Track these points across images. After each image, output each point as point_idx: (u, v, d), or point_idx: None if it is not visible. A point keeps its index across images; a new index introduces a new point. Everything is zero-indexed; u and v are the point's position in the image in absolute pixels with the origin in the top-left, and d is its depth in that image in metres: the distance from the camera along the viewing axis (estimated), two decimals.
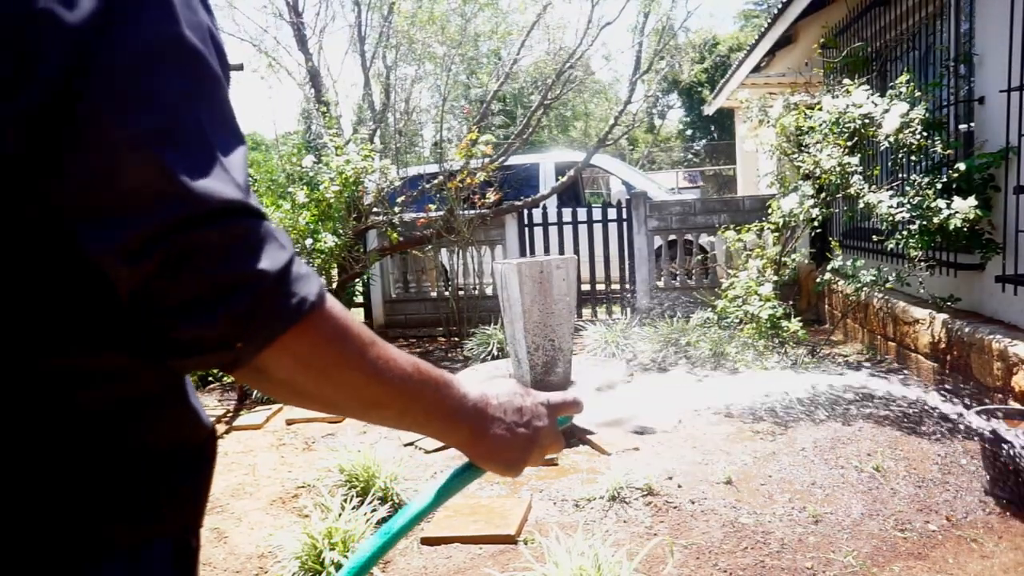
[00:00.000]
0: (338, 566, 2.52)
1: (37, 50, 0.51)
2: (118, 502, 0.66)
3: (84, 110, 0.52)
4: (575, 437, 4.00)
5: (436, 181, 7.54)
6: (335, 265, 6.87)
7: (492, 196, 7.34)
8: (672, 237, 7.96)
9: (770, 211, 5.07)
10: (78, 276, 0.58)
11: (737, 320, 4.78)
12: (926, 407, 3.80)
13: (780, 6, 7.08)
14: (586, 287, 8.01)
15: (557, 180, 8.86)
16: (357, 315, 8.77)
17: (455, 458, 3.84)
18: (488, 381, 0.82)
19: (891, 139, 4.34)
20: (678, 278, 7.85)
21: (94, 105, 0.52)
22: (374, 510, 2.86)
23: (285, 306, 0.58)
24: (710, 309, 5.08)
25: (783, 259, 5.09)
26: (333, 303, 0.62)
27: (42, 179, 0.53)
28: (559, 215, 8.04)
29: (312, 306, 0.59)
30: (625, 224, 7.90)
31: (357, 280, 7.45)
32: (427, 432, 0.76)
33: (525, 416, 0.79)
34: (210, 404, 5.51)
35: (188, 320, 0.55)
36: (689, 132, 31.15)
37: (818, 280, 5.47)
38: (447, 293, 8.01)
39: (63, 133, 0.52)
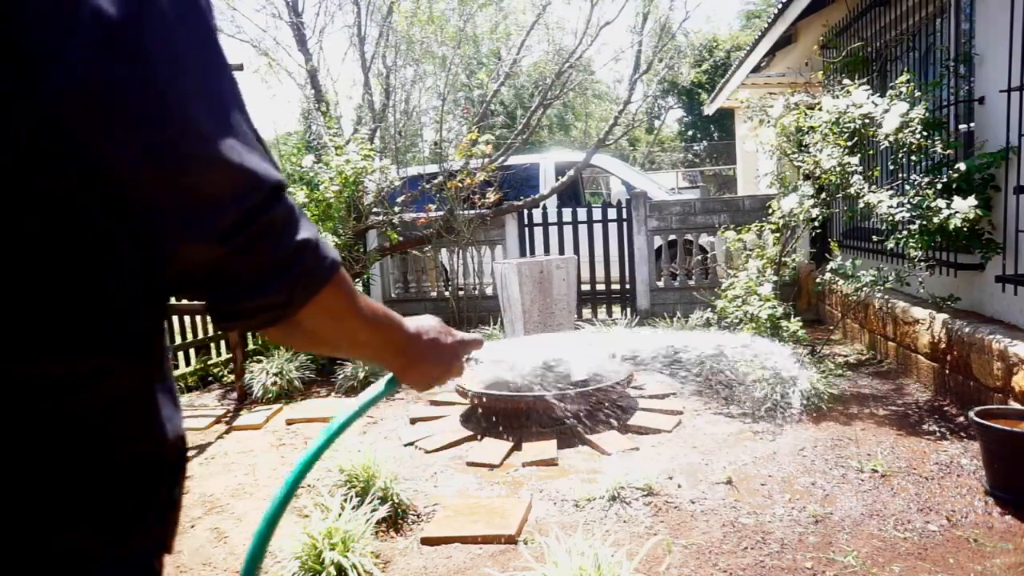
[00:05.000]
0: (338, 566, 2.52)
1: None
2: (80, 513, 0.66)
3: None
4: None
5: (436, 181, 7.54)
6: None
7: (492, 196, 7.34)
8: (672, 237, 7.96)
9: (770, 211, 5.07)
10: (75, 275, 0.62)
11: (737, 320, 4.78)
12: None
13: (780, 6, 7.08)
14: (586, 287, 8.01)
15: (557, 180, 8.86)
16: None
17: (455, 458, 3.85)
18: (422, 318, 0.99)
19: (891, 139, 4.34)
20: (678, 278, 7.85)
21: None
22: (374, 510, 2.86)
23: (323, 267, 0.70)
24: (710, 309, 5.08)
25: (783, 259, 5.09)
26: (343, 271, 0.75)
27: (118, 184, 0.60)
28: (559, 215, 8.04)
29: (338, 265, 0.72)
30: (625, 224, 7.90)
31: (357, 280, 7.45)
32: (379, 361, 0.92)
33: (446, 349, 0.98)
34: (210, 404, 5.51)
35: (259, 288, 0.66)
36: (689, 132, 31.14)
37: (818, 280, 5.47)
38: (447, 293, 8.01)
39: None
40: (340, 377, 5.63)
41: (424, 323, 0.97)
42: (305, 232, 0.68)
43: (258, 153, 0.65)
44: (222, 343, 6.86)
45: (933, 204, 4.01)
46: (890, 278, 4.42)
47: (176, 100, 0.59)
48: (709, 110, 14.03)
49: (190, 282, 0.66)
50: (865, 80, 5.23)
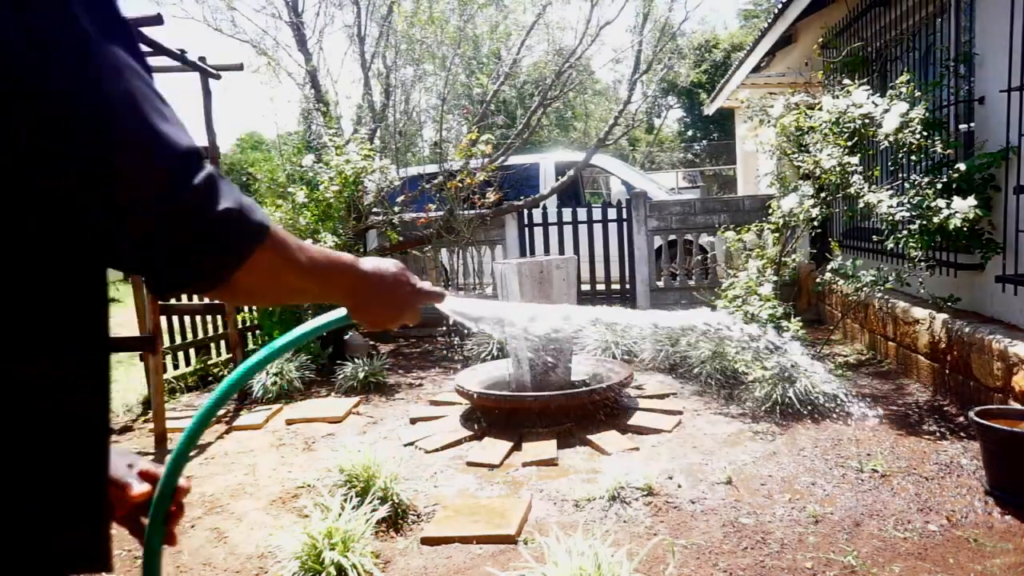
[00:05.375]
0: (338, 566, 2.52)
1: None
2: (80, 512, 0.67)
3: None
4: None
5: (436, 181, 7.54)
6: None
7: (492, 196, 7.33)
8: (672, 237, 7.96)
9: (770, 211, 5.07)
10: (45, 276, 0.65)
11: None
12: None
13: (780, 6, 7.08)
14: (586, 287, 8.01)
15: (557, 180, 8.86)
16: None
17: (455, 458, 3.85)
18: (382, 260, 1.00)
19: (891, 139, 4.34)
20: (678, 278, 7.85)
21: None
22: (374, 510, 2.86)
23: (249, 231, 0.72)
24: (710, 309, 5.07)
25: (783, 259, 5.09)
26: (277, 228, 0.77)
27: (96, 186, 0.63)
28: (559, 215, 8.04)
29: (266, 227, 0.74)
30: (625, 224, 7.90)
31: None
32: (330, 300, 0.94)
33: (400, 294, 1.00)
34: None
35: (187, 258, 0.68)
36: (689, 132, 31.14)
37: (818, 280, 5.47)
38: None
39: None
40: (340, 377, 5.63)
41: (382, 265, 0.98)
42: (228, 200, 0.69)
43: (171, 123, 0.66)
44: (222, 343, 6.86)
45: (933, 204, 4.00)
46: (890, 278, 4.42)
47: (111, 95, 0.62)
48: (709, 110, 14.03)
49: (119, 259, 0.69)
50: (865, 80, 5.23)
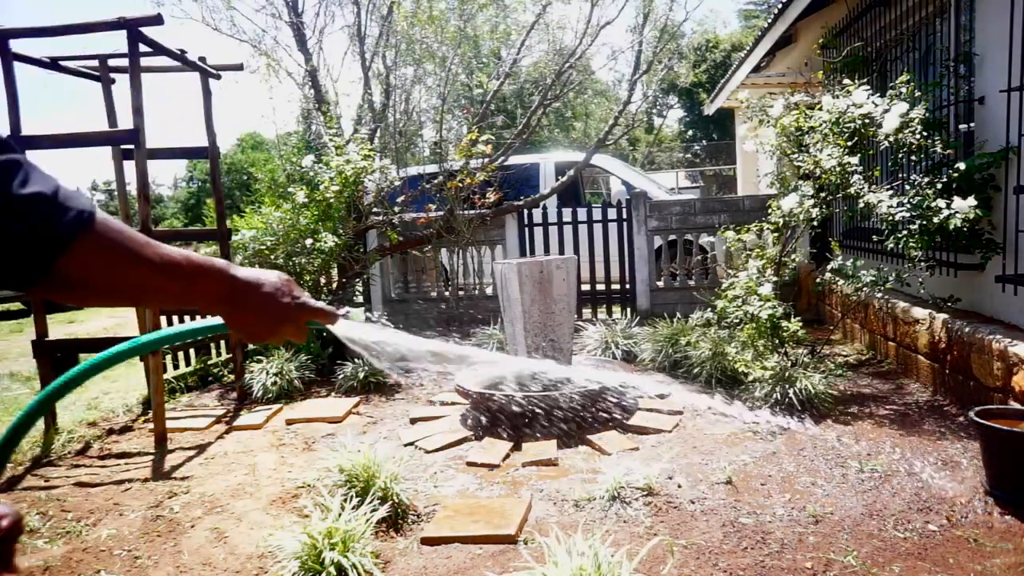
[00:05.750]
0: (338, 566, 2.52)
1: None
2: None
3: None
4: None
5: (436, 181, 7.54)
6: (335, 265, 6.87)
7: (492, 196, 7.33)
8: (672, 237, 7.96)
9: (770, 211, 5.07)
10: None
11: (737, 320, 4.78)
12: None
13: (780, 6, 7.08)
14: (586, 287, 8.01)
15: (557, 180, 8.86)
16: (357, 315, 8.78)
17: (455, 458, 3.85)
18: (263, 271, 0.98)
19: (891, 139, 4.34)
20: (678, 278, 7.85)
21: None
22: (374, 510, 2.86)
23: (72, 217, 0.70)
24: (710, 309, 5.08)
25: (783, 259, 5.09)
26: (107, 216, 0.75)
27: None
28: (559, 215, 8.04)
29: (90, 215, 0.71)
30: (625, 224, 7.90)
31: (357, 280, 7.45)
32: (199, 305, 0.91)
33: (279, 307, 0.96)
34: (210, 404, 5.51)
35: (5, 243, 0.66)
36: (689, 132, 31.14)
37: (818, 280, 5.46)
38: (447, 293, 8.01)
39: None
40: (340, 377, 5.63)
41: (263, 276, 0.96)
42: (38, 185, 0.67)
43: None
44: (222, 343, 6.86)
45: (933, 204, 4.00)
46: (890, 278, 4.42)
47: None
48: (709, 110, 14.03)
49: None
50: (865, 80, 5.23)
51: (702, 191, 20.02)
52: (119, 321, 11.08)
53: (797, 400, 4.20)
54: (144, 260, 0.78)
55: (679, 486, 3.31)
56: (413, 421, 4.66)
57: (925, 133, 4.28)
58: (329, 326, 1.05)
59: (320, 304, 1.03)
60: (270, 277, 0.97)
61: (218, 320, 1.00)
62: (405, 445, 4.15)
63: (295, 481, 3.67)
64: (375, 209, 7.37)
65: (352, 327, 1.08)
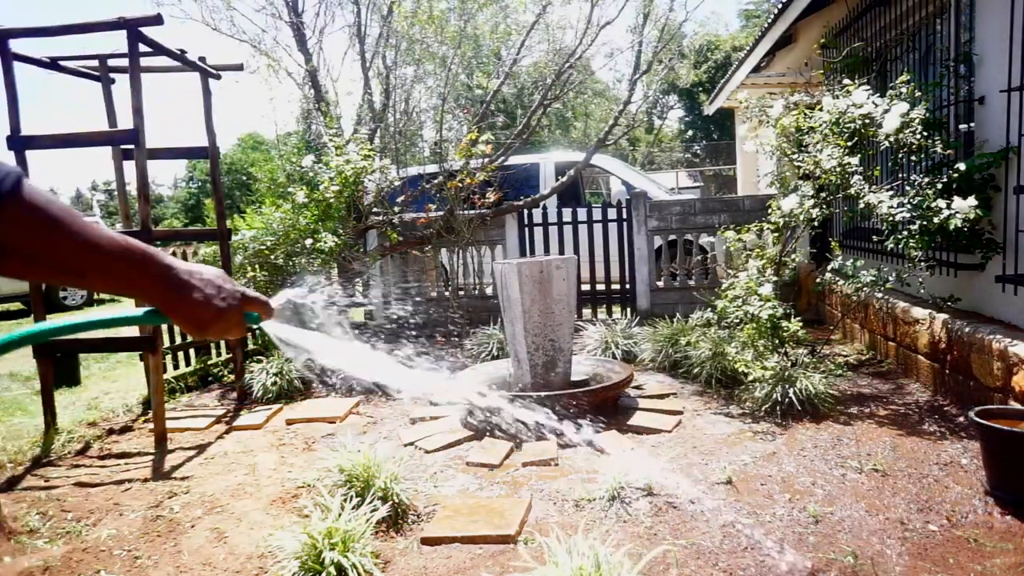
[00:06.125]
0: (338, 566, 2.52)
1: None
2: None
3: None
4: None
5: (436, 181, 7.54)
6: (335, 265, 6.87)
7: (492, 196, 7.33)
8: (672, 237, 7.96)
9: (770, 211, 5.07)
10: None
11: (737, 320, 4.78)
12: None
13: (780, 6, 7.08)
14: (586, 287, 8.01)
15: (557, 180, 8.86)
16: (357, 315, 8.77)
17: (455, 458, 3.85)
18: (201, 265, 0.97)
19: (891, 139, 4.34)
20: (678, 278, 7.85)
21: None
22: (374, 510, 2.86)
23: None
24: (710, 309, 5.08)
25: (783, 259, 5.09)
26: (37, 187, 0.76)
27: None
28: (559, 215, 8.04)
29: (16, 179, 0.72)
30: (625, 224, 7.90)
31: (356, 280, 7.45)
32: (137, 294, 0.90)
33: (222, 294, 0.96)
34: (210, 404, 5.51)
35: None
36: (689, 132, 31.15)
37: (818, 280, 5.46)
38: (447, 293, 8.01)
39: None
40: (340, 377, 5.63)
41: (200, 267, 0.96)
42: None
43: None
44: (222, 343, 6.86)
45: (933, 204, 4.00)
46: (890, 278, 4.42)
47: None
48: (709, 110, 14.03)
49: None
50: (865, 80, 5.23)
51: (702, 191, 20.03)
52: None
53: (797, 400, 4.20)
54: (71, 233, 0.78)
55: (679, 486, 3.30)
56: (413, 421, 4.66)
57: (925, 133, 4.28)
58: (264, 319, 1.04)
59: (259, 295, 1.02)
60: (207, 269, 0.97)
61: (137, 311, 1.00)
62: (405, 445, 4.15)
63: (295, 481, 3.66)
64: (375, 209, 7.37)
65: (280, 327, 1.07)
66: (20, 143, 4.43)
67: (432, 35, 8.16)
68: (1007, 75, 3.82)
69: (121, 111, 5.35)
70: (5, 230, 0.73)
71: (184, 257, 6.92)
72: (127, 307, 11.33)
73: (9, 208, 0.72)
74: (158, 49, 4.63)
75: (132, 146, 4.52)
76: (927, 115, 4.36)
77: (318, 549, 2.56)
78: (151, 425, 4.61)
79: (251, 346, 6.83)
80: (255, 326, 1.05)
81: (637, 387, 5.05)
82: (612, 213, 7.93)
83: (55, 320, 0.99)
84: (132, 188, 5.10)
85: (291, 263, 6.35)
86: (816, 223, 4.93)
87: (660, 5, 8.15)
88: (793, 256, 5.21)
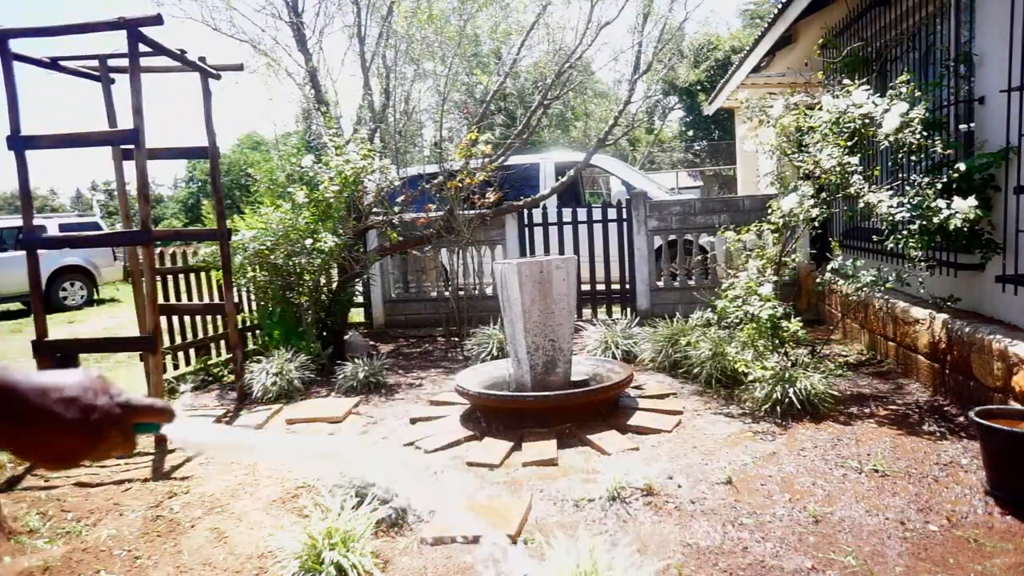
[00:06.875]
0: (338, 566, 2.52)
1: None
2: None
3: None
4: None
5: (436, 181, 7.54)
6: (335, 265, 6.87)
7: (492, 196, 7.33)
8: (672, 237, 7.96)
9: (770, 211, 5.07)
10: None
11: (737, 320, 4.78)
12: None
13: (780, 6, 7.08)
14: (586, 287, 8.01)
15: (557, 180, 8.86)
16: (357, 315, 8.76)
17: (456, 458, 3.85)
18: (62, 372, 0.71)
19: (891, 139, 4.34)
20: (678, 278, 7.85)
21: None
22: (374, 510, 2.86)
23: None
24: (710, 309, 5.08)
25: (783, 259, 5.09)
26: None
27: None
28: (559, 215, 8.04)
29: None
30: (625, 224, 7.90)
31: (357, 280, 7.46)
32: None
33: (94, 414, 0.71)
34: (210, 404, 5.51)
35: None
36: (689, 132, 31.15)
37: (818, 280, 5.46)
38: (447, 293, 8.01)
39: None
40: (340, 377, 5.63)
41: (60, 383, 0.69)
42: None
43: None
44: (222, 343, 6.86)
45: (933, 204, 4.00)
46: (890, 278, 4.42)
47: None
48: (709, 110, 14.03)
49: None
50: (865, 80, 5.23)
51: (702, 191, 20.04)
52: (120, 321, 11.07)
53: (797, 400, 4.20)
54: None
55: (679, 486, 3.31)
56: (413, 421, 4.66)
57: (925, 133, 4.28)
58: (165, 426, 0.79)
59: (150, 400, 0.77)
60: (73, 379, 0.71)
61: None
62: (405, 445, 4.15)
63: (295, 481, 3.66)
64: (375, 209, 7.37)
65: (191, 430, 0.82)
66: (20, 143, 4.43)
67: (432, 35, 8.17)
68: (1007, 75, 3.82)
69: (121, 111, 5.36)
70: None
71: (184, 257, 6.90)
72: (127, 308, 11.31)
73: None
74: (158, 49, 4.63)
75: (132, 146, 4.52)
76: (927, 115, 4.36)
77: (318, 549, 2.56)
78: None
79: (251, 346, 6.83)
80: (154, 434, 0.80)
81: (637, 387, 5.05)
82: (612, 213, 7.93)
83: None
84: (132, 188, 5.10)
85: (291, 263, 6.35)
86: (816, 223, 4.93)
87: (660, 5, 8.18)
88: (793, 256, 5.22)
